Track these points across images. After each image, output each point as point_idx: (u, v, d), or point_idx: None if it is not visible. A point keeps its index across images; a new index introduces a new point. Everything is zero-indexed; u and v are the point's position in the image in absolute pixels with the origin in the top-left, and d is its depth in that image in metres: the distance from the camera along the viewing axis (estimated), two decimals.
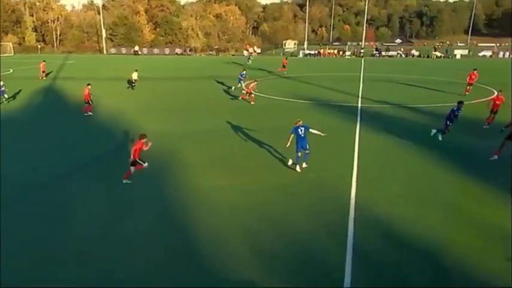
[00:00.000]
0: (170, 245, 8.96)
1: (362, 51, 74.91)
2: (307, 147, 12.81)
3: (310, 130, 12.94)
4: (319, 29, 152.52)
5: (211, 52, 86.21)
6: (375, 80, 37.42)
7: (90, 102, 21.96)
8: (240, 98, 26.30)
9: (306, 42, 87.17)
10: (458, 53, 73.25)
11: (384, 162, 14.23)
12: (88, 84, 22.38)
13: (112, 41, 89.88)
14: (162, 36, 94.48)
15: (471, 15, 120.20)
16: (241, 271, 7.98)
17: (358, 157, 14.54)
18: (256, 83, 25.55)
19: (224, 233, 9.33)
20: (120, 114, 22.00)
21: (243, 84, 28.87)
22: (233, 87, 29.42)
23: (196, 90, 31.74)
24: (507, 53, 71.47)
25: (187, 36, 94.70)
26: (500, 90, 20.57)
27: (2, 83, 25.33)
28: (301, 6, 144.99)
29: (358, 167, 13.48)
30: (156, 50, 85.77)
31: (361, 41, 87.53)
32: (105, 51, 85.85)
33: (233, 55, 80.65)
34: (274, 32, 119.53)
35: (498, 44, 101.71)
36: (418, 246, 8.75)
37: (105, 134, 18.44)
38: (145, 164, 11.84)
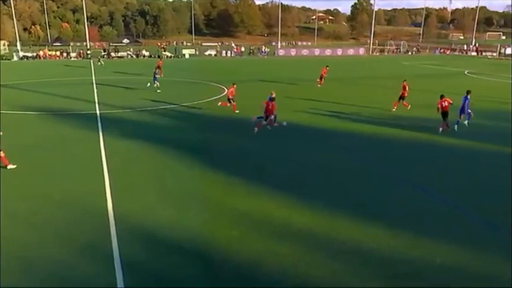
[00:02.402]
0: None
1: (89, 52, 73.04)
2: None
3: None
4: (33, 27, 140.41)
5: None
6: (109, 83, 37.30)
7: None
8: None
9: (18, 43, 78.90)
10: (186, 52, 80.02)
11: (135, 169, 14.59)
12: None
13: None
14: None
15: (191, 15, 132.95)
16: None
17: (107, 168, 14.44)
18: None
19: None
20: None
21: None
22: None
23: None
24: (228, 52, 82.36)
25: None
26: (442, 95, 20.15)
27: None
28: (4, 0, 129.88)
29: (109, 179, 13.40)
30: None
31: (85, 41, 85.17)
32: None
33: None
34: None
35: (221, 43, 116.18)
36: (186, 247, 9.43)
37: None
38: None
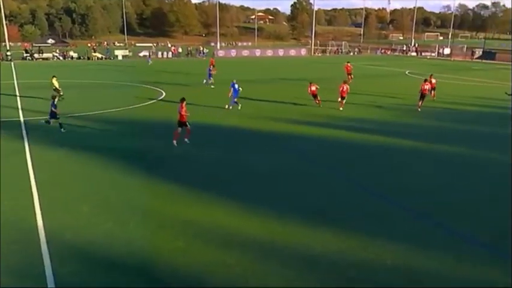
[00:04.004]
0: None
1: (9, 53, 69.42)
2: None
3: None
4: None
5: None
6: (34, 87, 35.62)
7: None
8: None
9: None
10: (119, 53, 78.03)
11: (67, 181, 14.07)
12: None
13: None
14: None
15: (123, 14, 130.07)
16: None
17: (36, 180, 13.81)
18: None
19: None
20: None
21: None
22: None
23: None
24: (165, 53, 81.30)
25: None
26: (431, 75, 29.72)
27: None
28: None
29: (39, 192, 12.83)
30: None
31: (5, 41, 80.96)
32: None
33: None
34: None
35: (155, 44, 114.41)
36: (127, 262, 9.20)
37: None
38: None
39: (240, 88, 26.26)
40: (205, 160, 16.60)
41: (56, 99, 20.59)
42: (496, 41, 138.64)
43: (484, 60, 74.80)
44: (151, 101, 29.23)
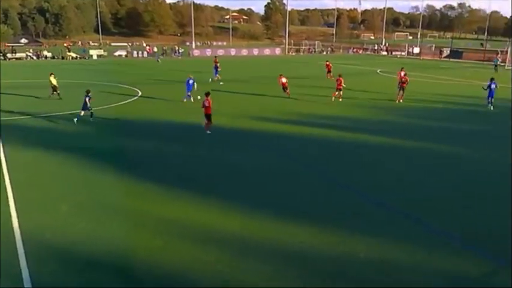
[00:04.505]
0: None
1: None
2: None
3: None
4: None
5: None
6: (7, 87, 34.66)
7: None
8: None
9: None
10: (94, 53, 76.80)
11: (42, 181, 13.81)
12: None
13: None
14: None
15: (97, 14, 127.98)
16: None
17: (10, 181, 13.48)
18: None
19: None
20: None
21: None
22: None
23: None
24: (140, 52, 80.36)
25: None
26: (402, 68, 31.49)
27: None
28: None
29: (14, 193, 12.53)
30: None
31: None
32: None
33: None
34: None
35: (131, 44, 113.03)
36: (105, 261, 9.07)
37: None
38: None
39: (195, 84, 27.74)
40: (182, 158, 16.50)
41: (90, 93, 22.01)
42: (462, 40, 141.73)
43: (451, 59, 76.18)
44: (127, 101, 28.86)
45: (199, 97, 22.21)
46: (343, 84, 28.74)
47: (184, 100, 27.73)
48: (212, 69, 40.12)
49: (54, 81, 28.89)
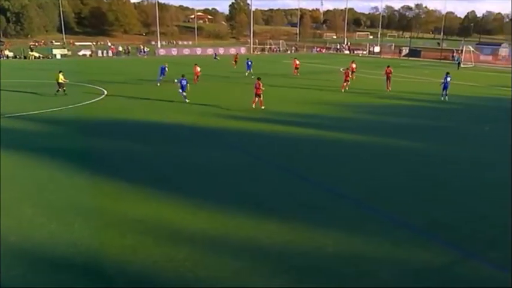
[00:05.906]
0: None
1: None
2: None
3: None
4: None
5: None
6: None
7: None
8: None
9: None
10: (58, 52, 74.82)
11: (7, 182, 13.23)
12: None
13: None
14: None
15: (60, 13, 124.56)
16: None
17: None
18: None
19: None
20: None
21: None
22: None
23: None
24: (105, 52, 78.80)
25: None
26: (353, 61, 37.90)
27: None
28: None
29: None
30: None
31: None
32: None
33: None
34: None
35: (95, 43, 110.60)
36: (74, 262, 8.78)
37: None
38: None
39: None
40: (149, 157, 16.22)
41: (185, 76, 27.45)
42: (420, 40, 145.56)
43: (410, 58, 78.13)
44: (93, 100, 28.22)
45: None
46: (351, 75, 34.40)
47: (158, 84, 32.59)
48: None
49: (62, 78, 29.84)
